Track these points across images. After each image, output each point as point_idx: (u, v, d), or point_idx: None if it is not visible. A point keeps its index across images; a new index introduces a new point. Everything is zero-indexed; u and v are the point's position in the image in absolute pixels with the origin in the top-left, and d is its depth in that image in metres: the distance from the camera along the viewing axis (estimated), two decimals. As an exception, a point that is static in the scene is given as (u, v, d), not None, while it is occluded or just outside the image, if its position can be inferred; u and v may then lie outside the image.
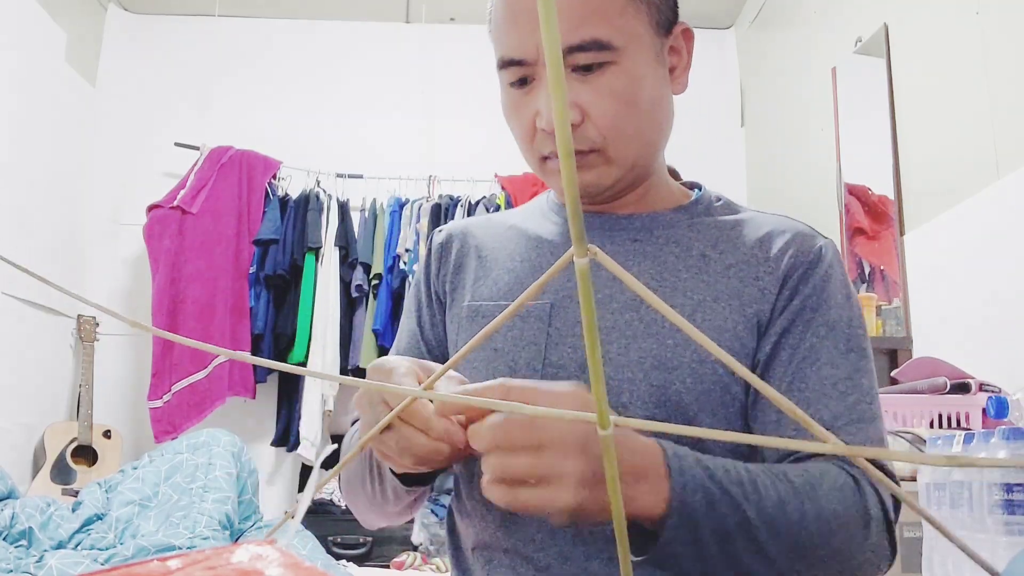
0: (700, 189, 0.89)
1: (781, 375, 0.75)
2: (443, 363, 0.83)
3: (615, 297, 0.78)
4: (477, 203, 3.41)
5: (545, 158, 0.78)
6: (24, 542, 2.01)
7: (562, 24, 0.72)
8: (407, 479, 0.72)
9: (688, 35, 0.83)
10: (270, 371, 3.40)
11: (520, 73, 0.76)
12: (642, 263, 0.80)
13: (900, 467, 1.46)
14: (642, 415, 0.74)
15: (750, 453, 0.77)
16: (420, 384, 0.59)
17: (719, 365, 0.73)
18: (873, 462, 0.72)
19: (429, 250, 0.93)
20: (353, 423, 0.88)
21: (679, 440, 0.65)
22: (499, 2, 0.77)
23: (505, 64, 0.77)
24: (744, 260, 0.80)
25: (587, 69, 0.73)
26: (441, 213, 3.40)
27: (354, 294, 3.37)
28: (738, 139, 3.75)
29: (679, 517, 0.60)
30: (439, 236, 0.92)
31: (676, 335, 0.75)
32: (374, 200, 3.52)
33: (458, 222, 0.94)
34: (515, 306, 0.41)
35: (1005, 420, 1.44)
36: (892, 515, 0.72)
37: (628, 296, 0.78)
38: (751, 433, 0.58)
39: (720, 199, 0.88)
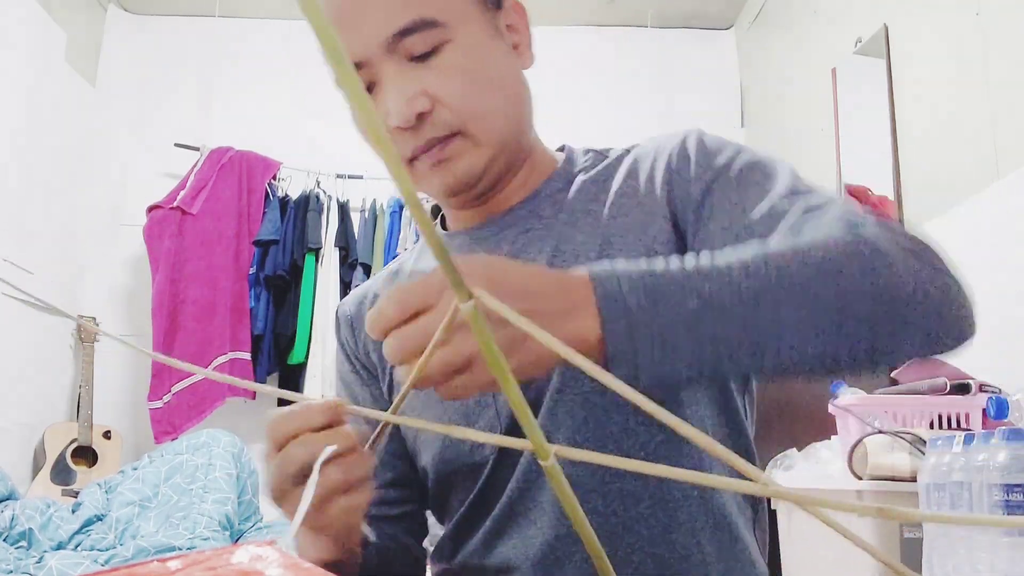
0: (564, 149, 0.87)
1: (722, 238, 0.70)
2: (394, 430, 0.82)
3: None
4: (477, 203, 3.41)
5: (411, 160, 0.73)
6: (24, 543, 2.01)
7: (382, 11, 0.69)
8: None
9: (519, 10, 0.80)
10: (270, 372, 3.40)
11: (364, 78, 0.71)
12: (541, 246, 0.78)
13: (901, 467, 1.46)
14: (550, 390, 0.72)
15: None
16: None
17: None
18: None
19: (339, 328, 0.90)
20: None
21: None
22: (325, 9, 0.74)
23: None
24: (622, 194, 0.78)
25: (425, 56, 0.70)
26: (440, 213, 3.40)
27: (354, 294, 3.37)
28: (738, 139, 3.73)
29: (614, 323, 0.52)
30: (344, 309, 0.90)
31: None
32: (374, 201, 3.52)
33: (359, 289, 0.93)
34: (413, 378, 0.42)
35: (1005, 420, 1.44)
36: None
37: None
38: None
39: (588, 151, 0.86)
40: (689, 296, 0.53)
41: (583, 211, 0.79)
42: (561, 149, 0.88)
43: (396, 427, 0.82)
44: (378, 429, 0.58)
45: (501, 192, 0.81)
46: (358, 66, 0.71)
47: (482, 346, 0.29)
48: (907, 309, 0.57)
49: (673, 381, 0.54)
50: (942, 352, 0.59)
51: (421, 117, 0.70)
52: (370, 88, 0.72)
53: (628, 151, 0.84)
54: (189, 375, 3.25)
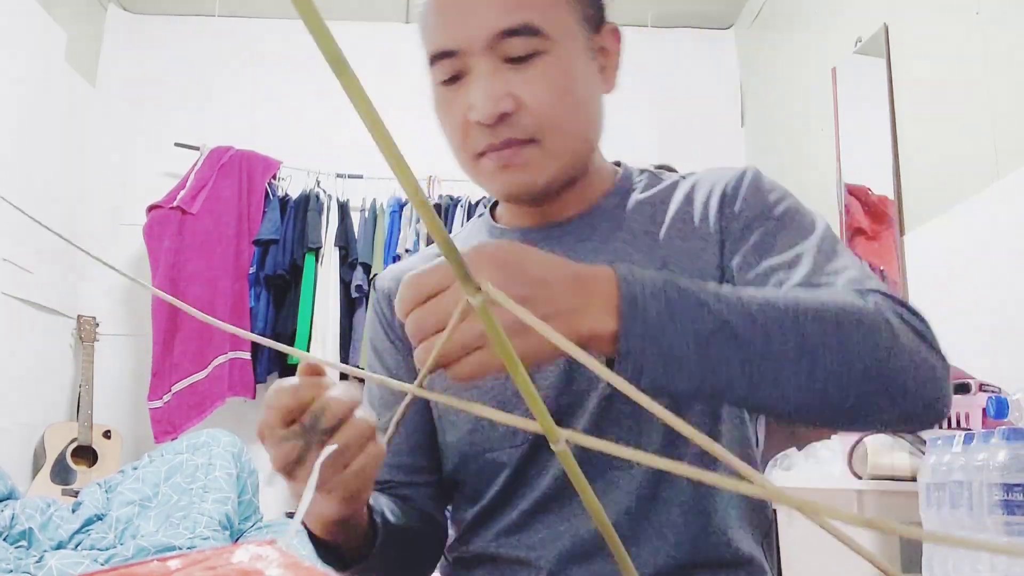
0: (621, 165, 0.90)
1: (752, 273, 0.75)
2: (422, 403, 0.85)
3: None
4: (477, 203, 3.41)
5: (480, 154, 0.76)
6: (24, 542, 2.01)
7: (494, 9, 0.72)
8: (328, 554, 0.71)
9: (616, 35, 0.82)
10: (270, 371, 3.40)
11: (451, 68, 0.74)
12: (594, 258, 0.79)
13: (901, 466, 1.46)
14: (598, 395, 0.75)
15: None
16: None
17: None
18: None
19: (378, 299, 0.92)
20: None
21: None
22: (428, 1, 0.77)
23: (436, 58, 0.75)
24: (680, 219, 0.81)
25: (520, 60, 0.73)
26: (441, 213, 3.40)
27: (354, 294, 3.37)
28: (738, 139, 3.75)
29: (631, 322, 0.54)
30: (382, 283, 0.92)
31: None
32: (374, 200, 3.52)
33: (399, 264, 0.95)
34: (435, 355, 0.42)
35: (1005, 420, 1.44)
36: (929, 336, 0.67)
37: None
38: None
39: (643, 171, 0.89)
40: (706, 318, 0.56)
41: (641, 231, 0.81)
42: (618, 164, 0.91)
43: (424, 401, 0.83)
44: (405, 401, 0.58)
45: (559, 200, 0.83)
46: (452, 54, 0.73)
47: (490, 335, 0.29)
48: (895, 388, 0.61)
49: (670, 392, 0.56)
50: (909, 431, 0.62)
51: (503, 117, 0.72)
52: (458, 76, 0.74)
53: (684, 177, 0.87)
54: (189, 375, 3.25)
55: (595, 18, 0.79)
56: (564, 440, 0.32)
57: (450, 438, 0.83)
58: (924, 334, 0.65)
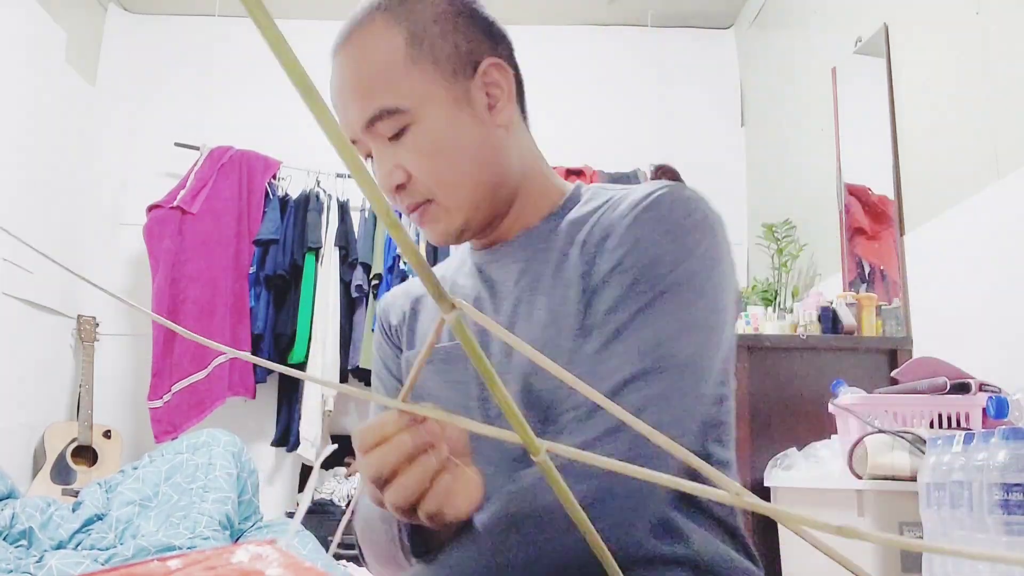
0: (577, 186, 0.90)
1: (596, 336, 0.73)
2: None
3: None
4: (477, 203, 3.41)
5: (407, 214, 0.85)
6: (24, 542, 2.01)
7: (356, 104, 0.80)
8: (417, 546, 0.73)
9: (498, 67, 0.83)
10: (270, 371, 3.40)
11: (362, 151, 0.83)
12: (522, 280, 0.84)
13: (901, 466, 1.46)
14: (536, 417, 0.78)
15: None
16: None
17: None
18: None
19: (377, 314, 1.02)
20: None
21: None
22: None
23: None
24: (589, 240, 0.80)
25: (396, 137, 0.80)
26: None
27: (354, 294, 3.37)
28: (738, 139, 3.76)
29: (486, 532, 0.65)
30: (386, 298, 1.01)
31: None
32: (374, 200, 3.52)
33: (403, 285, 1.02)
34: (414, 374, 0.44)
35: (1005, 420, 1.44)
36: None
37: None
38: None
39: (591, 189, 0.89)
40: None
41: (560, 252, 0.83)
42: (580, 185, 0.92)
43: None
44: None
45: (500, 226, 0.88)
46: (355, 142, 0.82)
47: (467, 349, 0.30)
48: None
49: None
50: None
51: (399, 188, 0.81)
52: (369, 155, 0.83)
53: (630, 189, 0.84)
54: (189, 375, 3.25)
55: (467, 62, 0.81)
56: (544, 452, 0.33)
57: None
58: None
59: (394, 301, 0.99)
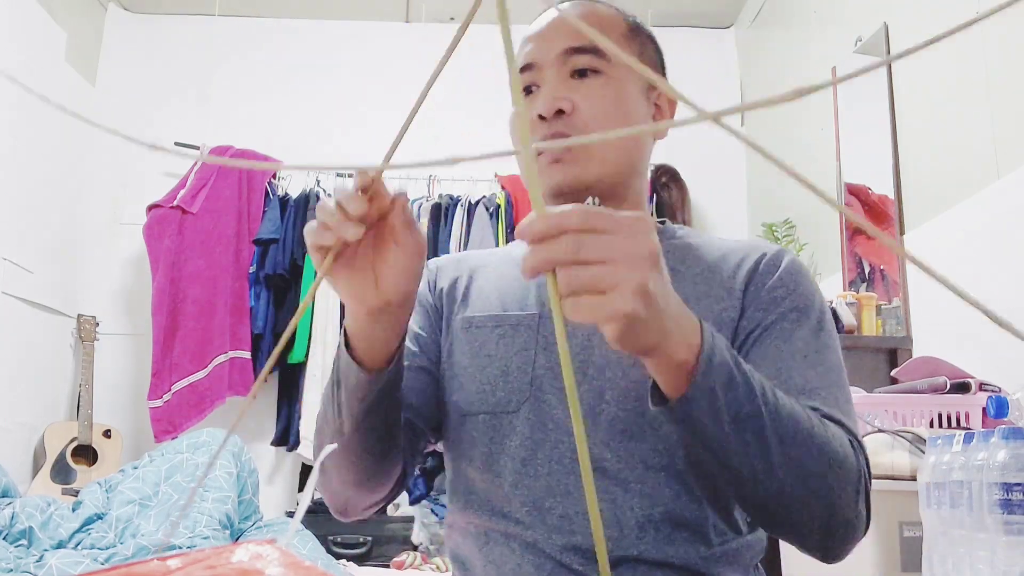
0: (664, 222, 0.99)
1: (760, 353, 0.82)
2: (435, 369, 0.93)
3: None
4: (477, 203, 3.41)
5: (540, 152, 0.86)
6: (24, 541, 2.01)
7: (564, 36, 0.86)
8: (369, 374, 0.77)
9: (672, 105, 0.93)
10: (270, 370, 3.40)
11: (527, 80, 0.87)
12: None
13: (900, 466, 1.46)
14: (622, 411, 0.81)
15: None
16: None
17: None
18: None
19: (426, 273, 1.01)
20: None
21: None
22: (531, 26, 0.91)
23: (520, 72, 0.86)
24: (708, 270, 0.88)
25: (582, 74, 0.86)
26: (441, 213, 3.40)
27: (354, 294, 3.37)
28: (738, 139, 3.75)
29: (704, 377, 0.63)
30: (438, 260, 1.03)
31: None
32: (374, 200, 3.52)
33: (457, 254, 1.04)
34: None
35: (1005, 420, 1.44)
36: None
37: None
38: None
39: (682, 229, 0.97)
40: (751, 408, 0.66)
41: (671, 267, 0.84)
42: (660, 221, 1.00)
43: (430, 370, 0.93)
44: (371, 177, 0.64)
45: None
46: (530, 67, 0.87)
47: (553, 310, 0.31)
48: (835, 531, 0.73)
49: (693, 439, 0.67)
50: (813, 556, 0.77)
51: (559, 113, 0.84)
52: (530, 89, 0.88)
53: (720, 239, 0.94)
54: (189, 374, 3.25)
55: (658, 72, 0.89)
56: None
57: (455, 397, 0.89)
58: (868, 493, 0.76)
59: (447, 264, 1.01)
